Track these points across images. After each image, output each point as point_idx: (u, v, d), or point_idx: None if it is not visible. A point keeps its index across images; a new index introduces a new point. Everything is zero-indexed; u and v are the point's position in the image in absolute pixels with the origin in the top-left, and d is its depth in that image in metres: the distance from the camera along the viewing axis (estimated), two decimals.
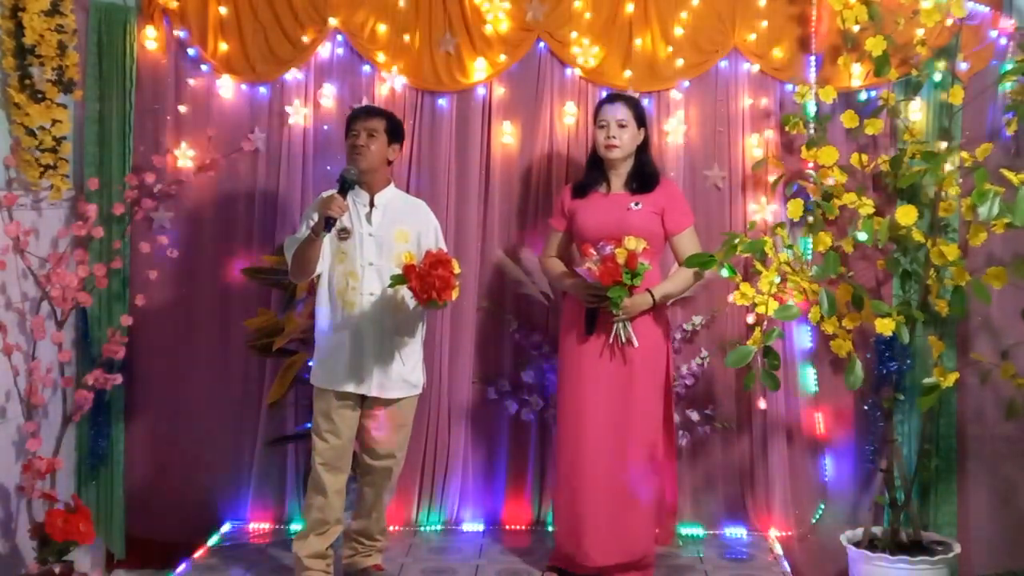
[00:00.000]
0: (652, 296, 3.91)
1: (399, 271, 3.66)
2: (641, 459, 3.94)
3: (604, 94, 4.50)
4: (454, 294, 3.60)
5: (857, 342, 4.28)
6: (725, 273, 3.96)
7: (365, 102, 4.52)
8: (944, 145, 4.28)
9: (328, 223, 3.61)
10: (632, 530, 3.95)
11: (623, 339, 3.90)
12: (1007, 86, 4.33)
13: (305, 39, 4.56)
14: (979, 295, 3.79)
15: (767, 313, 3.84)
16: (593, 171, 4.11)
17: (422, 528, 4.63)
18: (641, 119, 4.05)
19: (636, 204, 3.98)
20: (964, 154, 4.17)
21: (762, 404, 4.32)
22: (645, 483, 3.96)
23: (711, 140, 4.59)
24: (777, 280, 4.04)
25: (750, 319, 4.47)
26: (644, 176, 4.03)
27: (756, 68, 4.55)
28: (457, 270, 3.62)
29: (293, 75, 4.60)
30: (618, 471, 3.92)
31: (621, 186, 4.05)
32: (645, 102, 4.53)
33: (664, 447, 4.08)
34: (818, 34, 4.49)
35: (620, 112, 4.00)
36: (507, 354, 4.65)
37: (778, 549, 4.42)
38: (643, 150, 4.08)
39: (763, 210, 4.53)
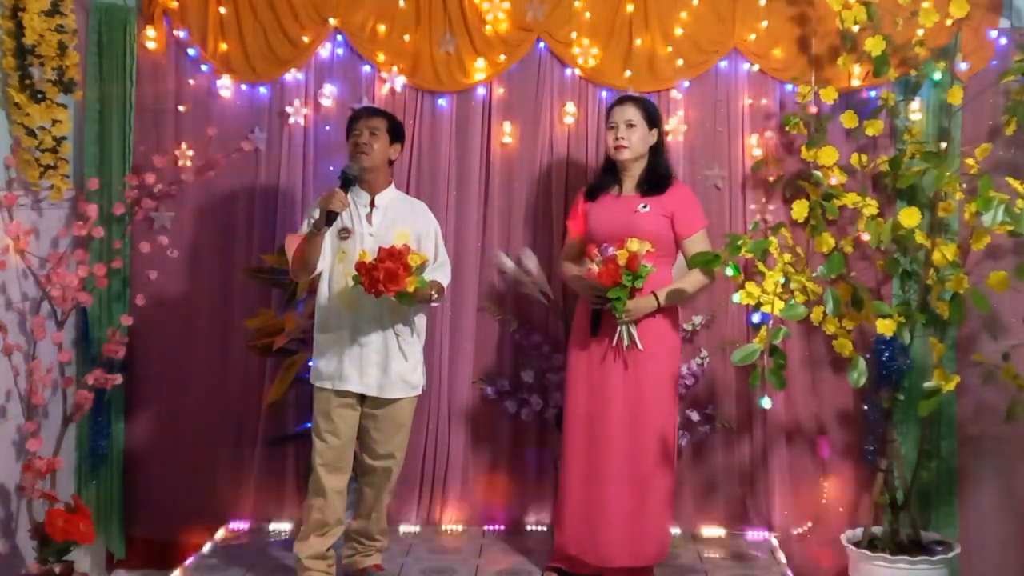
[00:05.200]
0: (657, 299, 3.90)
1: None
2: (654, 461, 3.93)
3: (604, 94, 4.52)
4: (411, 284, 3.58)
5: (856, 342, 4.28)
6: (730, 272, 3.95)
7: (365, 102, 4.53)
8: (944, 145, 4.29)
9: (330, 217, 3.62)
10: (645, 533, 3.94)
11: (627, 342, 3.88)
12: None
13: (305, 39, 4.56)
14: (977, 305, 3.79)
15: (773, 312, 3.83)
16: (607, 174, 4.09)
17: (422, 528, 4.63)
18: (652, 120, 4.01)
19: (644, 206, 3.95)
20: (970, 160, 4.17)
21: (767, 404, 4.30)
22: (658, 485, 3.95)
23: (711, 140, 4.59)
24: (782, 280, 4.04)
25: (755, 318, 4.47)
26: (655, 178, 4.00)
27: (756, 68, 4.55)
28: (416, 261, 3.62)
29: (293, 75, 4.60)
30: (631, 473, 3.91)
31: (632, 188, 4.02)
32: None
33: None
34: (818, 34, 4.49)
35: (629, 113, 3.97)
36: (507, 354, 4.65)
37: (778, 549, 4.42)
38: (657, 151, 4.05)
39: (763, 210, 4.54)
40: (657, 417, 3.93)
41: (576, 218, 4.15)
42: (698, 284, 3.96)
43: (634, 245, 3.72)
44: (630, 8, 4.53)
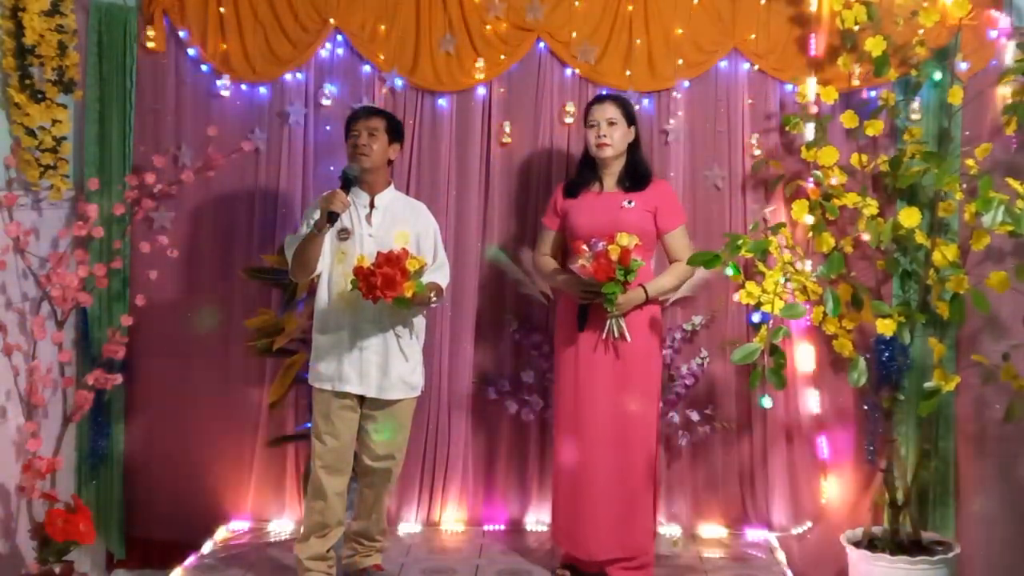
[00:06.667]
0: (645, 292, 3.93)
1: None
2: (639, 454, 3.97)
3: (604, 94, 4.52)
4: (409, 289, 3.58)
5: (856, 342, 4.28)
6: (730, 272, 3.96)
7: (365, 102, 4.52)
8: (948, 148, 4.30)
9: (331, 218, 3.62)
10: (631, 524, 3.97)
11: (616, 334, 3.92)
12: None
13: (305, 39, 4.56)
14: (977, 305, 3.79)
15: (773, 312, 3.83)
16: (585, 171, 4.13)
17: (422, 528, 4.62)
18: (631, 117, 4.07)
19: (629, 202, 4.00)
20: (970, 161, 4.17)
21: (768, 403, 4.31)
22: (644, 477, 3.98)
23: (711, 140, 4.59)
24: (782, 280, 4.05)
25: (755, 318, 4.47)
26: (636, 175, 4.06)
27: (756, 68, 4.55)
28: (414, 266, 3.62)
29: (293, 75, 4.60)
30: (617, 465, 3.96)
31: (614, 185, 4.07)
32: (645, 102, 4.55)
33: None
34: (818, 34, 4.48)
35: (609, 111, 4.02)
36: (507, 354, 4.65)
37: (778, 549, 4.42)
38: (634, 148, 4.10)
39: (763, 210, 4.54)
40: (644, 407, 3.99)
41: (553, 214, 4.17)
42: (682, 276, 4.07)
43: (624, 240, 3.77)
44: (630, 8, 4.53)
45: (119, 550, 4.69)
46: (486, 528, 4.62)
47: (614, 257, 3.75)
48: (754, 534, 4.56)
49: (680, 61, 4.53)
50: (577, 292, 3.96)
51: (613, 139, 4.00)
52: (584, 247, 3.85)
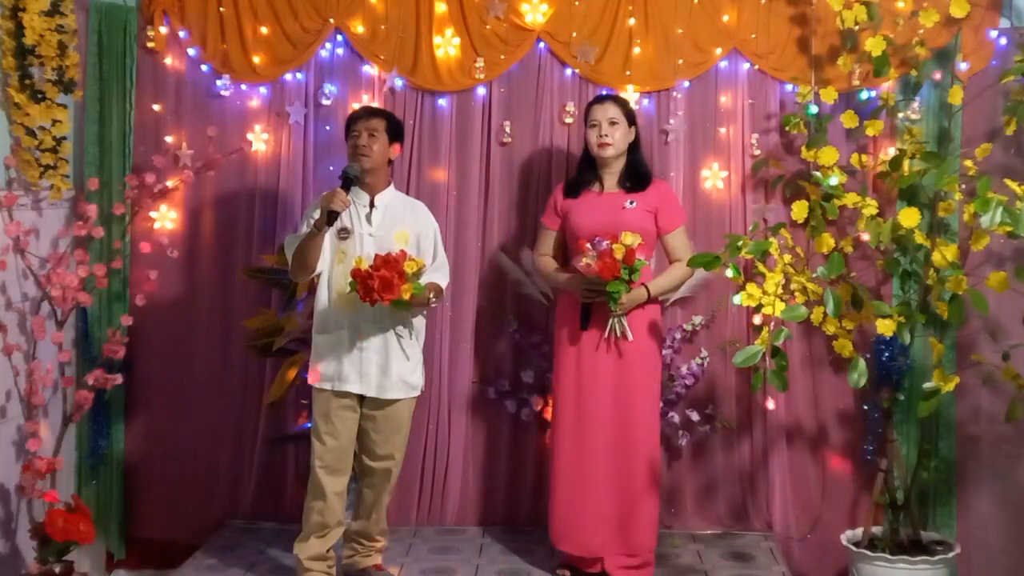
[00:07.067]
0: (647, 291, 3.95)
1: None
2: (641, 452, 3.98)
3: (605, 94, 4.52)
4: (407, 292, 3.59)
5: (856, 342, 4.28)
6: (730, 274, 3.97)
7: (365, 102, 4.53)
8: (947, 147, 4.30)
9: (331, 217, 3.62)
10: (633, 522, 3.98)
11: (618, 333, 3.93)
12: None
13: (305, 39, 4.56)
14: (977, 305, 3.79)
15: (774, 314, 3.84)
16: (585, 171, 4.14)
17: (422, 528, 4.63)
18: (631, 118, 4.08)
19: (631, 203, 4.01)
20: (968, 162, 4.17)
21: (771, 404, 4.31)
22: (646, 476, 3.99)
23: (711, 141, 4.59)
24: (782, 281, 4.05)
25: (756, 319, 4.47)
26: (637, 175, 4.08)
27: (756, 68, 4.55)
28: (412, 268, 3.62)
29: (293, 75, 4.60)
30: (619, 463, 3.97)
31: (614, 185, 4.08)
32: (645, 102, 4.55)
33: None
34: (818, 34, 4.48)
35: (611, 111, 4.03)
36: (507, 354, 4.65)
37: (778, 549, 4.42)
38: (634, 149, 4.11)
39: (763, 210, 4.54)
40: (646, 406, 4.01)
41: (553, 214, 4.17)
42: (682, 276, 4.11)
43: (628, 239, 3.78)
44: (630, 8, 4.53)
45: (119, 550, 4.69)
46: (486, 528, 4.62)
47: (619, 256, 3.76)
48: (754, 534, 4.56)
49: (680, 61, 4.53)
50: (580, 291, 3.97)
51: (614, 139, 4.01)
52: (588, 246, 3.86)
